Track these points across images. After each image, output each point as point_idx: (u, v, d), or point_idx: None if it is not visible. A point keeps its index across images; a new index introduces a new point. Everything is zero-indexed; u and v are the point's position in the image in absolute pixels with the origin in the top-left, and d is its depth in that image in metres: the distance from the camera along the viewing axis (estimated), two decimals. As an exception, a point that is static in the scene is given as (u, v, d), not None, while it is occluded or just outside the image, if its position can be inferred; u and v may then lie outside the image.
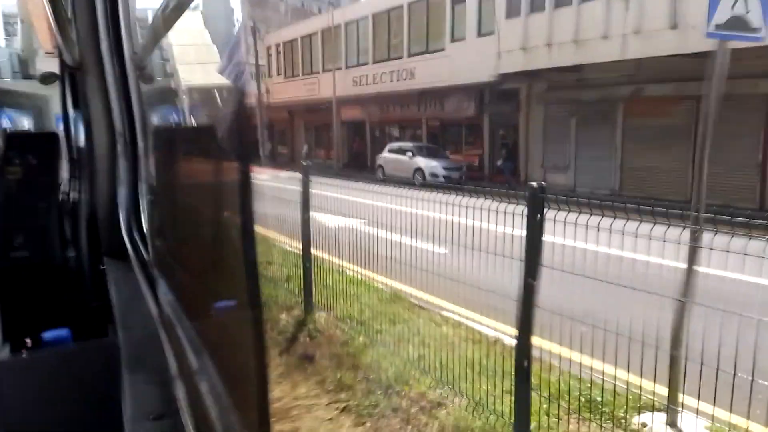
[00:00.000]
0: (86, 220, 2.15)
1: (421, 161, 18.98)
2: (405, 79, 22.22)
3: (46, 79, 2.79)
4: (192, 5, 1.03)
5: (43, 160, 2.30)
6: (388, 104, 24.31)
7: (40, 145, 2.32)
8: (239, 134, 0.58)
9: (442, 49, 20.43)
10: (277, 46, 32.63)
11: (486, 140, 20.47)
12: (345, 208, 5.40)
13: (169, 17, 1.35)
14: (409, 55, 22.22)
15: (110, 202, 1.87)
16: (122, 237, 1.71)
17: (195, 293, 0.97)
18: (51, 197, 2.29)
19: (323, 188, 5.77)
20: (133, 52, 1.38)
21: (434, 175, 18.13)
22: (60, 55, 2.42)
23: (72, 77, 2.50)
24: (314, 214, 5.54)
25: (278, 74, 32.57)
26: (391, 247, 4.81)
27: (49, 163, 2.32)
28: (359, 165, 26.40)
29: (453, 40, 20.05)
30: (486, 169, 20.18)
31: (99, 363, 1.27)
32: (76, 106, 2.61)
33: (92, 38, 1.66)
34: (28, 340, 1.70)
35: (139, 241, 1.57)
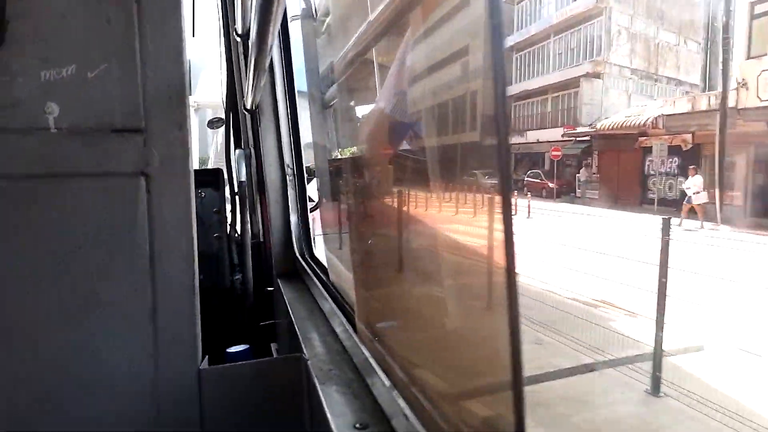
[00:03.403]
0: (253, 247, 2.37)
1: None
2: None
3: (214, 123, 3.14)
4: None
5: (211, 194, 2.58)
6: None
7: (207, 181, 2.61)
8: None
9: None
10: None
11: None
12: None
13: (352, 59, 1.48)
14: None
15: (284, 228, 2.04)
16: (297, 259, 1.85)
17: (406, 316, 1.02)
18: (220, 226, 2.56)
19: None
20: (321, 93, 1.53)
21: None
22: (226, 100, 2.73)
23: (236, 119, 2.80)
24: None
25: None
26: None
27: (217, 196, 2.60)
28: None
29: None
30: None
31: (288, 375, 1.37)
32: (237, 145, 2.91)
33: (270, 83, 1.86)
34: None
35: (313, 264, 1.70)
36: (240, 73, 2.07)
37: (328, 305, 1.48)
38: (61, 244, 1.24)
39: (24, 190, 1.21)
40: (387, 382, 0.96)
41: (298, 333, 1.50)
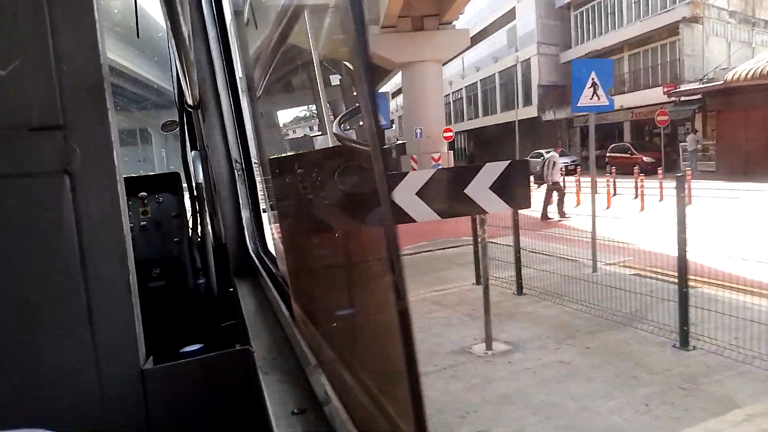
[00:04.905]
0: (214, 248, 2.33)
1: None
2: None
3: (168, 126, 3.09)
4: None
5: (169, 198, 2.54)
6: None
7: (165, 185, 2.57)
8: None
9: None
10: None
11: None
12: None
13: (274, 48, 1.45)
14: None
15: (236, 226, 2.01)
16: (250, 256, 1.82)
17: (329, 300, 1.00)
18: (180, 230, 2.52)
19: None
20: (257, 86, 1.50)
21: None
22: (178, 100, 2.68)
23: (189, 119, 2.76)
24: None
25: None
26: None
27: (175, 200, 2.56)
28: None
29: None
30: None
31: (234, 369, 1.34)
32: (192, 146, 2.87)
33: (210, 78, 1.83)
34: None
35: (265, 258, 1.67)
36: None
37: (275, 297, 1.45)
38: None
39: None
40: (313, 361, 0.94)
41: (248, 326, 1.48)
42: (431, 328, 5.62)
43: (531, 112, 31.48)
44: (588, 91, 6.91)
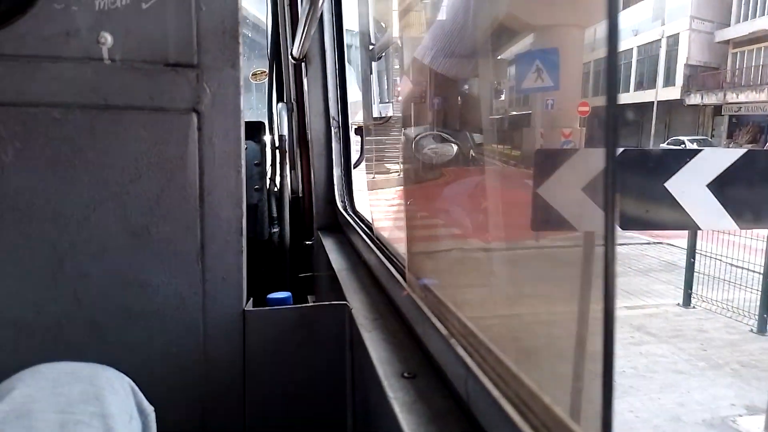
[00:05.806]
0: (292, 201, 2.36)
1: None
2: None
3: (257, 75, 3.12)
4: None
5: (252, 146, 2.58)
6: None
7: (249, 132, 2.60)
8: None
9: None
10: None
11: None
12: None
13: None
14: None
15: (327, 182, 2.03)
16: (339, 212, 1.83)
17: (475, 274, 0.98)
18: (260, 179, 2.57)
19: None
20: (371, 44, 1.48)
21: None
22: (270, 51, 2.68)
23: (279, 71, 2.76)
24: None
25: None
26: None
27: (258, 148, 2.60)
28: None
29: None
30: None
31: (332, 322, 1.36)
32: (279, 97, 2.88)
33: (318, 32, 1.81)
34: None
35: (355, 216, 1.68)
36: (285, 21, 2.02)
37: (373, 257, 1.45)
38: (114, 176, 1.23)
39: (78, 121, 1.20)
40: (444, 331, 0.93)
41: (341, 283, 1.49)
42: (654, 373, 4.09)
43: (670, 94, 28.20)
44: None
